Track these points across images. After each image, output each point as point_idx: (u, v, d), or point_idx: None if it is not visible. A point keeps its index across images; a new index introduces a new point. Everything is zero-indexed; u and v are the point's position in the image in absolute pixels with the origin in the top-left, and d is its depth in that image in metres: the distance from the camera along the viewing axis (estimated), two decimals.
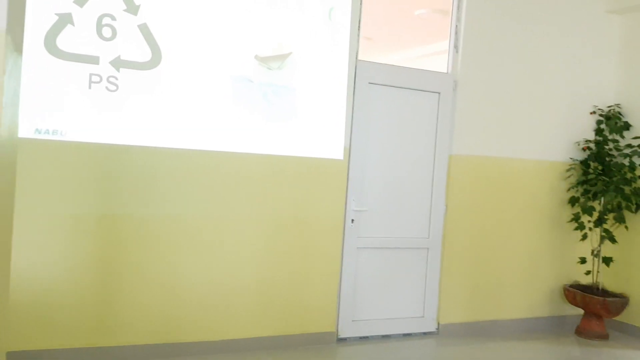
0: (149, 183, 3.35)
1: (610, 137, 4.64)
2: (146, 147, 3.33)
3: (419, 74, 4.17)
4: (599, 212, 4.46)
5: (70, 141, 3.16)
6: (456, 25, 4.24)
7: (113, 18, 3.22)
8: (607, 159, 4.54)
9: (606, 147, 4.58)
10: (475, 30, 4.24)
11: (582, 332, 4.45)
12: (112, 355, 3.30)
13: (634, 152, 4.38)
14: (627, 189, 4.38)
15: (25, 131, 3.05)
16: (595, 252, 4.49)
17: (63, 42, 3.11)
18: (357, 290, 4.03)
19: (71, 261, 3.21)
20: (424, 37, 4.66)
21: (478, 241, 4.36)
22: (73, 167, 3.18)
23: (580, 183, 4.54)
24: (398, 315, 4.18)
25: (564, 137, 4.65)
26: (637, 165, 4.46)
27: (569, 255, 4.69)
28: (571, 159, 4.65)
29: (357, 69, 3.91)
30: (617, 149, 4.54)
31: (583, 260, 4.56)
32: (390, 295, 4.15)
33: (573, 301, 4.48)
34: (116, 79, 3.24)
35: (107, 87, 3.23)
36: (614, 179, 4.34)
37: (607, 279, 4.63)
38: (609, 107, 4.72)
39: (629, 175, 4.43)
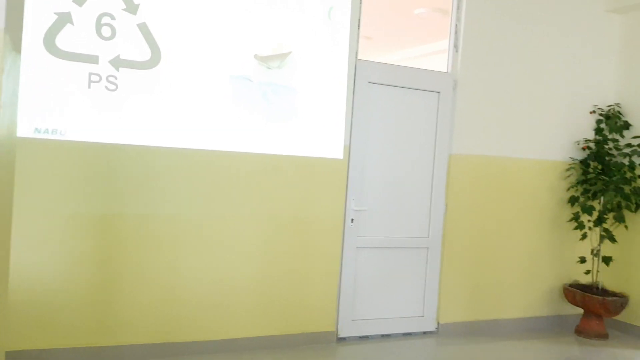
0: (149, 182, 3.35)
1: (610, 136, 4.64)
2: (146, 146, 3.33)
3: (418, 73, 4.17)
4: (599, 211, 4.46)
5: (69, 140, 3.15)
6: (456, 25, 4.24)
7: (112, 17, 3.22)
8: (607, 158, 4.54)
9: (606, 146, 4.58)
10: (475, 30, 4.23)
11: (581, 331, 4.45)
12: (112, 355, 3.30)
13: (634, 152, 4.38)
14: (626, 189, 4.37)
15: (24, 130, 3.05)
16: (594, 252, 4.49)
17: (62, 41, 3.11)
18: (357, 289, 4.03)
19: (70, 260, 3.21)
20: (424, 36, 4.66)
21: (478, 240, 4.36)
22: (72, 167, 3.18)
23: (580, 182, 4.54)
24: (398, 314, 4.18)
25: (563, 136, 4.65)
26: (636, 164, 4.46)
27: (568, 255, 4.70)
28: (571, 158, 4.65)
29: (357, 69, 3.91)
30: (617, 149, 4.54)
31: (583, 260, 4.56)
32: (390, 295, 4.15)
33: (573, 300, 4.48)
34: (115, 78, 3.24)
35: (106, 87, 3.22)
36: (614, 178, 4.34)
37: (607, 279, 4.63)
38: (608, 106, 4.72)
39: (628, 174, 4.43)
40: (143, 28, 3.29)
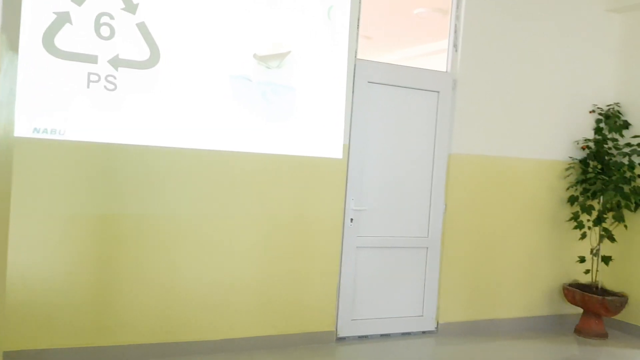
0: (148, 182, 3.35)
1: (609, 136, 4.64)
2: (145, 146, 3.32)
3: (418, 72, 4.17)
4: (598, 211, 4.46)
5: (68, 140, 3.15)
6: (455, 24, 4.24)
7: (111, 17, 3.21)
8: (607, 157, 4.54)
9: (605, 146, 4.58)
10: (474, 29, 4.23)
11: (581, 331, 4.45)
12: (111, 355, 3.30)
13: (633, 151, 4.38)
14: (626, 188, 4.37)
15: (23, 130, 3.05)
16: (594, 251, 4.49)
17: (61, 41, 3.11)
18: (357, 289, 4.03)
19: (70, 260, 3.20)
20: (423, 36, 4.65)
21: (477, 240, 4.36)
22: (71, 166, 3.17)
23: (579, 182, 4.54)
24: (397, 314, 4.17)
25: (563, 136, 4.64)
26: (636, 164, 4.45)
27: (568, 254, 4.69)
28: (570, 157, 4.65)
29: (356, 68, 3.91)
30: (617, 148, 4.54)
31: (582, 259, 4.56)
32: (389, 295, 4.14)
33: (572, 300, 4.48)
34: (115, 78, 3.24)
35: (105, 86, 3.22)
36: (613, 177, 4.34)
37: (606, 278, 4.63)
38: (608, 106, 4.72)
39: (628, 174, 4.42)
40: (142, 27, 3.28)
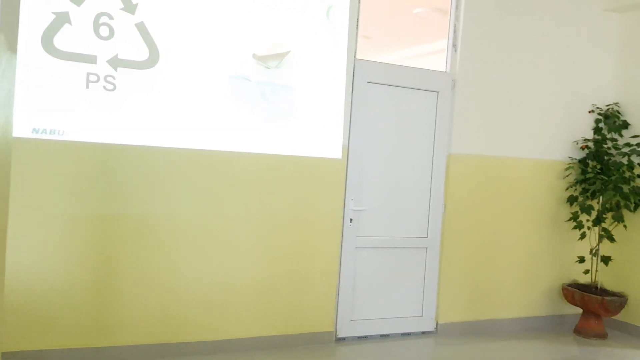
0: (147, 182, 3.34)
1: (608, 135, 4.64)
2: (144, 146, 3.32)
3: (417, 73, 4.17)
4: (598, 211, 4.46)
5: (68, 141, 3.15)
6: (455, 24, 4.23)
7: (110, 17, 3.21)
8: (606, 157, 4.54)
9: (605, 146, 4.58)
10: (473, 29, 4.23)
11: (580, 331, 4.45)
12: (110, 356, 3.30)
13: (633, 151, 4.38)
14: (625, 188, 4.37)
15: (22, 131, 3.04)
16: (593, 251, 4.49)
17: (60, 41, 3.10)
18: (356, 289, 4.02)
19: (69, 261, 3.20)
20: (423, 36, 4.65)
21: (476, 240, 4.36)
22: (71, 167, 3.17)
23: (578, 182, 4.54)
24: (397, 314, 4.17)
25: (562, 136, 4.64)
26: (635, 164, 4.45)
27: (567, 254, 4.69)
28: (570, 157, 4.65)
29: (356, 68, 3.91)
30: (616, 148, 4.54)
31: (581, 259, 4.56)
32: (388, 295, 4.14)
33: (571, 300, 4.48)
34: (114, 78, 3.24)
35: (104, 87, 3.22)
36: (613, 177, 4.34)
37: (606, 278, 4.63)
38: (607, 105, 4.72)
39: (627, 174, 4.42)
40: (141, 28, 3.28)
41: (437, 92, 4.20)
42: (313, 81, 3.74)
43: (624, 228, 4.50)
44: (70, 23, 3.12)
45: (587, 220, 4.55)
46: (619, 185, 4.31)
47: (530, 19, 4.43)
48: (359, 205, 3.99)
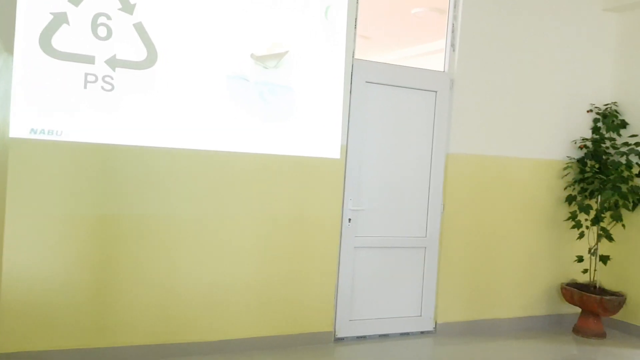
0: (146, 183, 3.34)
1: (607, 135, 4.64)
2: (142, 146, 3.32)
3: (415, 72, 4.17)
4: (596, 210, 4.46)
5: (66, 141, 3.14)
6: (453, 24, 4.23)
7: (108, 17, 3.21)
8: (604, 157, 4.54)
9: (603, 145, 4.58)
10: (472, 29, 4.23)
11: (579, 330, 4.45)
12: (110, 356, 3.29)
13: (631, 150, 4.39)
14: (624, 187, 4.37)
15: (20, 131, 3.03)
16: (592, 251, 4.49)
17: (58, 41, 3.10)
18: (355, 289, 4.02)
19: (69, 261, 3.19)
20: (421, 35, 4.66)
21: (475, 240, 4.36)
22: (69, 167, 3.17)
23: (577, 181, 4.54)
24: (395, 314, 4.17)
25: (561, 135, 4.65)
26: (634, 163, 4.46)
27: (566, 254, 4.70)
28: (568, 157, 4.65)
29: (354, 68, 3.91)
30: (614, 147, 4.54)
31: (580, 259, 4.56)
32: (387, 295, 4.14)
33: (570, 300, 4.48)
34: (112, 78, 3.23)
35: (102, 87, 3.21)
36: (611, 177, 4.34)
37: (604, 278, 4.63)
38: (605, 105, 4.72)
39: (625, 173, 4.42)
40: (139, 28, 3.28)
41: (436, 91, 4.20)
42: (311, 81, 3.74)
43: (622, 227, 4.50)
44: (68, 23, 3.11)
45: (586, 220, 4.55)
46: (618, 184, 4.32)
47: (529, 19, 4.44)
48: (358, 205, 3.99)
